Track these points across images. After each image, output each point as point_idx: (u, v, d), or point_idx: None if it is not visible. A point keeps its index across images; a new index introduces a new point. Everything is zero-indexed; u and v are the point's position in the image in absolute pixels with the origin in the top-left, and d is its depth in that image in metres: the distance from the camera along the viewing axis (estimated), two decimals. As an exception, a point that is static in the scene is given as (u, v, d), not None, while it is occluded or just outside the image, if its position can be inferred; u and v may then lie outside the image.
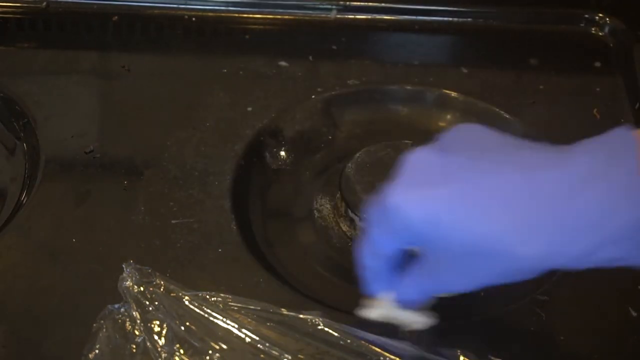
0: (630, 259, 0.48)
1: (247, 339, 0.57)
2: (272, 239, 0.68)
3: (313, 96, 0.78)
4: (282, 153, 0.75)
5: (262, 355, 0.56)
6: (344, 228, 0.69)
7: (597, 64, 0.82)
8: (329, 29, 0.86)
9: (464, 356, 0.56)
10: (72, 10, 0.87)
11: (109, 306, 0.58)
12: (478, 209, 0.49)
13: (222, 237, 0.65)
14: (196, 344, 0.56)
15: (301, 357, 0.56)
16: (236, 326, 0.57)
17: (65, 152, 0.73)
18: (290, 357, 0.56)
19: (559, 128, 0.74)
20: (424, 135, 0.69)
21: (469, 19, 0.86)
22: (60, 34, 0.86)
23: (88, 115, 0.77)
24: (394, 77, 0.80)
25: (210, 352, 0.56)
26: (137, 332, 0.57)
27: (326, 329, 0.57)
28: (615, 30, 0.85)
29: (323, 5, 0.87)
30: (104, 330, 0.57)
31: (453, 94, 0.78)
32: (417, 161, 0.52)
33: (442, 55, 0.86)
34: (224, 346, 0.56)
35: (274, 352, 0.56)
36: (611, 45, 0.84)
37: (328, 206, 0.71)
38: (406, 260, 0.55)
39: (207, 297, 0.58)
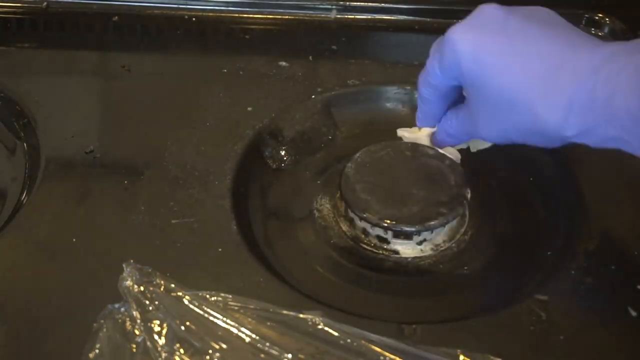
0: (624, 143, 0.53)
1: (247, 339, 0.57)
2: (272, 239, 0.68)
3: (313, 96, 0.78)
4: (282, 153, 0.75)
5: (262, 355, 0.56)
6: (344, 228, 0.69)
7: (597, 64, 0.82)
8: (329, 29, 0.86)
9: (464, 356, 0.56)
10: (72, 10, 0.87)
11: (109, 306, 0.58)
12: (518, 63, 0.56)
13: (222, 237, 0.65)
14: (196, 343, 0.56)
15: (301, 356, 0.56)
16: (236, 326, 0.57)
17: (65, 152, 0.73)
18: (290, 357, 0.56)
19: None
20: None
21: (469, 19, 0.86)
22: (60, 34, 0.87)
23: (88, 115, 0.77)
24: (394, 77, 0.80)
25: (210, 351, 0.56)
26: (137, 332, 0.57)
27: (326, 328, 0.57)
28: (615, 30, 0.85)
29: (323, 5, 0.87)
30: (104, 330, 0.57)
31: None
32: (485, 11, 0.59)
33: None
34: (224, 346, 0.56)
35: (273, 351, 0.56)
36: (611, 45, 0.84)
37: (328, 206, 0.71)
38: (452, 101, 0.63)
39: (207, 296, 0.58)
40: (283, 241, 0.68)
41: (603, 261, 0.64)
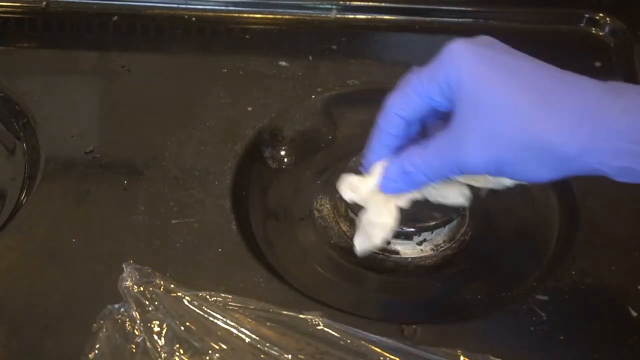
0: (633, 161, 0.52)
1: (247, 339, 0.57)
2: (272, 239, 0.68)
3: (313, 96, 0.78)
4: (282, 153, 0.75)
5: (262, 355, 0.56)
6: (344, 228, 0.69)
7: (597, 64, 0.82)
8: (329, 29, 0.86)
9: (464, 356, 0.56)
10: (72, 10, 0.87)
11: (109, 306, 0.58)
12: (524, 78, 0.54)
13: (222, 237, 0.65)
14: (196, 344, 0.56)
15: (301, 357, 0.56)
16: (236, 326, 0.57)
17: (65, 152, 0.73)
18: (290, 357, 0.56)
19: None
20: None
21: (469, 19, 0.86)
22: (60, 34, 0.86)
23: (88, 115, 0.77)
24: (394, 77, 0.80)
25: (210, 352, 0.56)
26: (137, 332, 0.57)
27: (326, 329, 0.57)
28: (616, 30, 0.85)
29: (323, 5, 0.87)
30: (104, 330, 0.57)
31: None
32: (483, 36, 0.56)
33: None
34: (224, 346, 0.56)
35: (273, 352, 0.56)
36: (611, 45, 0.84)
37: (328, 206, 0.71)
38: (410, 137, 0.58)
39: (207, 297, 0.58)
40: (283, 241, 0.68)
41: (603, 261, 0.64)
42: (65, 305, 0.61)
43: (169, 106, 0.77)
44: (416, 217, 0.65)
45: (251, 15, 0.87)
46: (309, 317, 0.57)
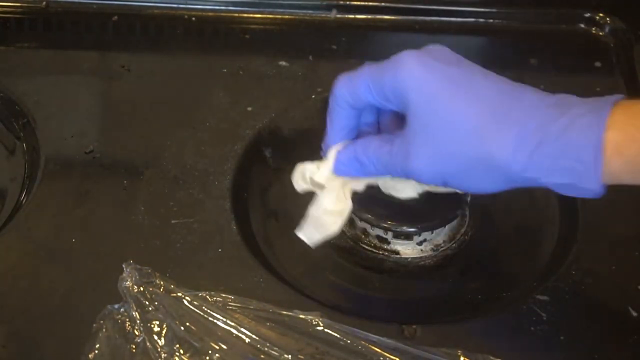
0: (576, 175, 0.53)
1: (247, 339, 0.57)
2: (272, 239, 0.68)
3: (313, 96, 0.78)
4: (282, 153, 0.75)
5: (262, 355, 0.56)
6: (344, 228, 0.69)
7: (597, 64, 0.82)
8: (329, 29, 0.86)
9: (464, 356, 0.56)
10: (72, 10, 0.87)
11: (109, 306, 0.58)
12: (471, 91, 0.54)
13: (222, 237, 0.65)
14: (196, 344, 0.56)
15: (301, 357, 0.56)
16: (236, 326, 0.57)
17: (65, 152, 0.73)
18: (290, 357, 0.56)
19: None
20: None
21: (469, 19, 0.86)
22: (60, 34, 0.86)
23: (88, 115, 0.77)
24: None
25: (210, 352, 0.56)
26: (137, 332, 0.57)
27: (326, 329, 0.57)
28: (616, 30, 0.85)
29: (323, 5, 0.87)
30: (104, 330, 0.57)
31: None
32: (435, 47, 0.57)
33: (442, 55, 0.86)
34: (224, 346, 0.56)
35: (273, 352, 0.56)
36: (611, 45, 0.84)
37: (328, 206, 0.71)
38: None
39: (207, 297, 0.58)
40: (283, 241, 0.68)
41: (603, 261, 0.64)
42: (65, 305, 0.61)
43: (169, 106, 0.77)
44: (416, 217, 0.65)
45: (251, 15, 0.87)
46: (309, 317, 0.57)
